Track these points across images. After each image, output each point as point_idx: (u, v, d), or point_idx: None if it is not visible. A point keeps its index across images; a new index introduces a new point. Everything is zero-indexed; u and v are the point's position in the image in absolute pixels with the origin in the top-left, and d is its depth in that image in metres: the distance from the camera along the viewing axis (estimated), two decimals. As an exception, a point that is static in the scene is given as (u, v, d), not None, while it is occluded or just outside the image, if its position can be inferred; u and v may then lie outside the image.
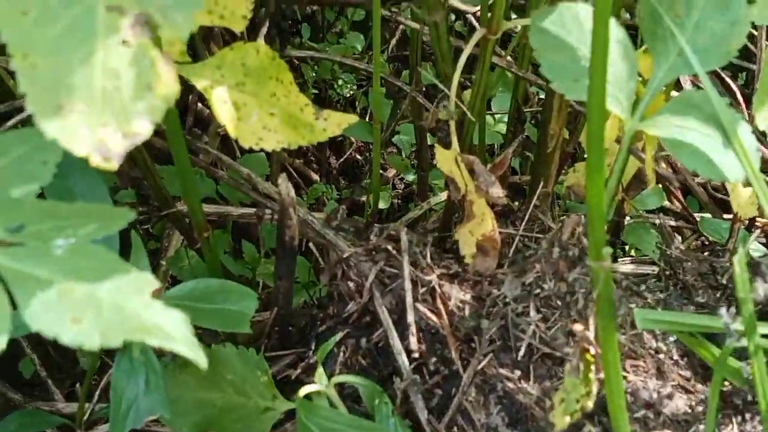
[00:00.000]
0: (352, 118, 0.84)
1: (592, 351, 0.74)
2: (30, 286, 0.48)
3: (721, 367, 0.76)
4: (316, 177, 1.57)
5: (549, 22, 0.68)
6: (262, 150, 0.81)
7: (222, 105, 0.79)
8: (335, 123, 0.83)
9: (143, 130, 0.46)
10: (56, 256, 0.49)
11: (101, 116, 0.46)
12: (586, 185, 0.64)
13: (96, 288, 0.48)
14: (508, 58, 1.11)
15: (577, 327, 0.74)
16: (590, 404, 0.77)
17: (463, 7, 0.98)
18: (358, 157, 1.70)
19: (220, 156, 1.01)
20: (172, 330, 0.48)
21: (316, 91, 1.62)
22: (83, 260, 0.49)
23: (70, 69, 0.46)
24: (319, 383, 0.79)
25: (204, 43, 1.23)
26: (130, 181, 1.00)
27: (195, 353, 0.48)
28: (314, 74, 1.59)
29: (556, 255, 0.89)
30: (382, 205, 1.42)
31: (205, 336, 0.96)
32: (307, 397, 0.81)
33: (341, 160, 1.65)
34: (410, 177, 1.47)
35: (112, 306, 0.48)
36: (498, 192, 0.89)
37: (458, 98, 0.92)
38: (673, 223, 1.38)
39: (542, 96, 1.23)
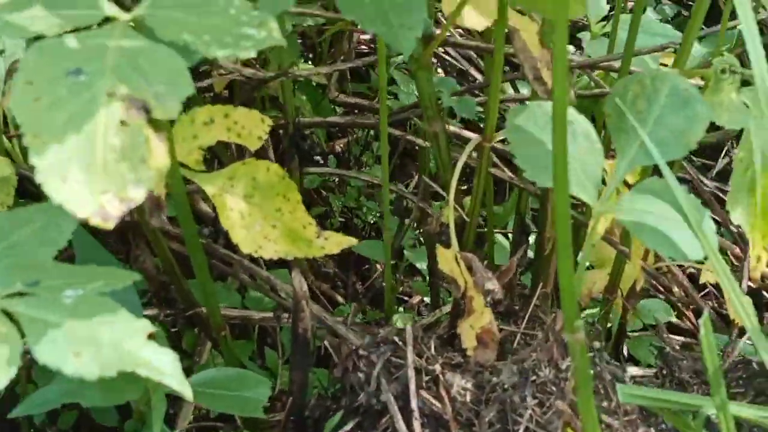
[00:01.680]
0: (352, 241, 0.93)
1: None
2: (40, 328, 0.56)
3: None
4: (341, 300, 1.65)
5: (522, 118, 0.77)
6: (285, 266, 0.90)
7: (228, 212, 0.89)
8: (335, 243, 0.93)
9: (138, 196, 0.55)
10: (65, 304, 0.58)
11: (102, 185, 0.54)
12: (558, 265, 0.71)
13: (97, 329, 0.56)
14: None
15: (559, 403, 0.80)
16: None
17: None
18: (384, 284, 1.77)
19: (242, 261, 1.10)
20: (163, 366, 0.56)
21: (343, 219, 1.71)
22: (88, 308, 0.58)
23: (75, 146, 0.55)
24: (325, 455, 0.85)
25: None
26: (158, 285, 1.09)
27: (182, 387, 0.56)
28: (340, 203, 1.69)
29: (551, 344, 0.95)
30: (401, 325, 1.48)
31: (226, 426, 1.02)
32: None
33: (366, 284, 1.73)
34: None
35: (111, 344, 0.56)
36: (493, 286, 0.96)
37: (460, 203, 1.01)
38: (683, 339, 1.44)
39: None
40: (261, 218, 0.90)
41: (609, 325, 1.32)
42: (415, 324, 1.09)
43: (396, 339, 1.00)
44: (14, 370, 0.55)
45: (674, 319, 1.46)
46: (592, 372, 0.98)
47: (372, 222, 1.71)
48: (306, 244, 0.91)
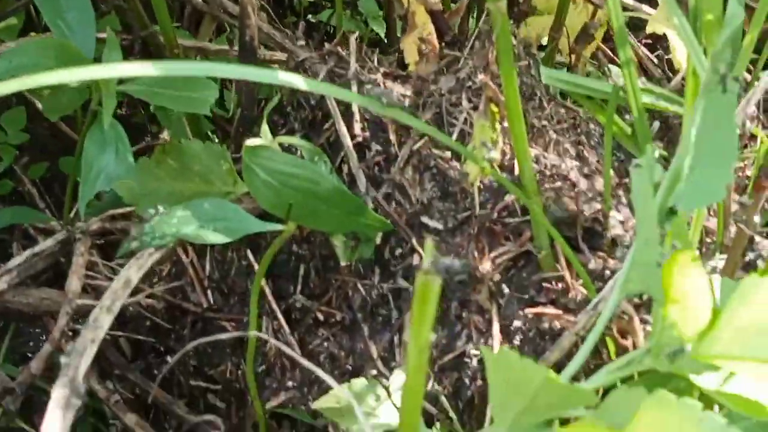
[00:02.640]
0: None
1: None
2: None
3: (609, 121, 0.86)
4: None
5: None
6: None
7: None
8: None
9: None
10: None
11: None
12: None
13: None
14: None
15: (481, 76, 0.84)
16: (497, 154, 0.87)
17: None
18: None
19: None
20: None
21: None
22: None
23: None
24: (264, 139, 0.90)
25: None
26: (113, 6, 1.11)
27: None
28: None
29: (486, 50, 0.99)
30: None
31: (176, 133, 1.07)
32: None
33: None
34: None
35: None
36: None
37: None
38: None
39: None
40: None
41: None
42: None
43: (340, 51, 1.03)
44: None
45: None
46: (531, 86, 1.02)
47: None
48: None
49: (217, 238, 0.85)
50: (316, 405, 0.85)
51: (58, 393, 0.72)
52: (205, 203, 0.87)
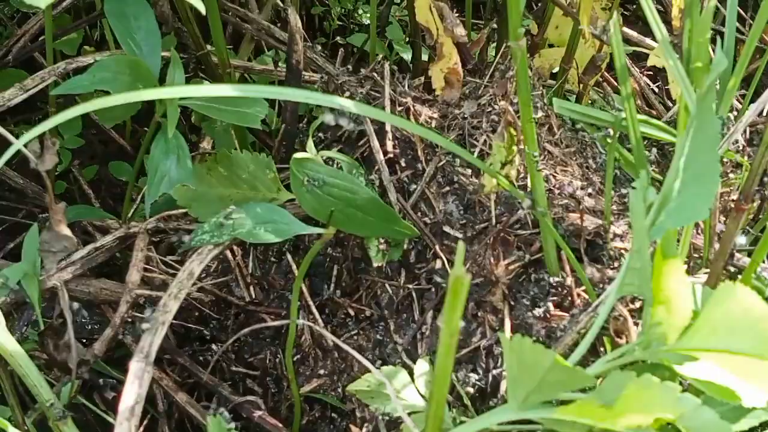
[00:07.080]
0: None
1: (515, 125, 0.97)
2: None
3: (612, 148, 0.98)
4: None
5: None
6: None
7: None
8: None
9: None
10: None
11: None
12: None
13: None
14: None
15: (502, 103, 0.97)
16: (513, 172, 0.99)
17: None
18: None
19: (247, 13, 1.26)
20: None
21: (340, 23, 1.87)
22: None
23: None
24: (310, 152, 1.02)
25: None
26: (173, 28, 1.24)
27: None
28: (339, 6, 1.84)
29: (505, 80, 1.11)
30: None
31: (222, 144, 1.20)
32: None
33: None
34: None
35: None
36: (461, 32, 1.12)
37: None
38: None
39: None
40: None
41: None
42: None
43: (375, 75, 1.16)
44: None
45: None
46: (544, 115, 1.15)
47: (366, 24, 1.86)
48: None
49: (268, 237, 0.98)
50: (350, 388, 0.98)
51: (135, 366, 0.85)
52: (257, 207, 0.99)
